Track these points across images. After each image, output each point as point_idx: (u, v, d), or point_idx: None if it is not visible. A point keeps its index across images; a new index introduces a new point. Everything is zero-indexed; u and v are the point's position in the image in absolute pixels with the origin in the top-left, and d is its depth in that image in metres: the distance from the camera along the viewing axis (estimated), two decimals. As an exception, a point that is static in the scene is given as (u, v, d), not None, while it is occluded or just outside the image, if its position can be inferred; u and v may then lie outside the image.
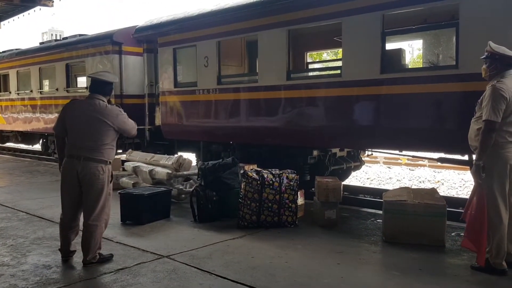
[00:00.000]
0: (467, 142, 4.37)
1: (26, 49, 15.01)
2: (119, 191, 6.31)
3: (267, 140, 8.15)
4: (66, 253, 4.49)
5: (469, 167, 6.13)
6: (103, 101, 4.45)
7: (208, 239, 5.20)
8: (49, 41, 15.16)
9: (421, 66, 11.77)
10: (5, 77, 15.88)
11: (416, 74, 6.54)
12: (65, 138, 4.47)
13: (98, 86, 4.49)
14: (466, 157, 6.31)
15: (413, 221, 4.92)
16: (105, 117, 4.36)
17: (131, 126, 4.63)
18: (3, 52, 16.64)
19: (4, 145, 17.81)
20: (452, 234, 5.27)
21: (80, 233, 4.48)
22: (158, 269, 4.23)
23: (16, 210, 6.78)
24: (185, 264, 4.35)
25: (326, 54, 24.95)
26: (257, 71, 8.53)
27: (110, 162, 4.47)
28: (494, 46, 4.16)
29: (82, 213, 4.47)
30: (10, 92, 15.41)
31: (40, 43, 15.06)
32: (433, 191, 5.40)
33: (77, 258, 4.52)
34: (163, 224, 5.94)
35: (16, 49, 15.76)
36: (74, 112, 4.41)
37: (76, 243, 4.56)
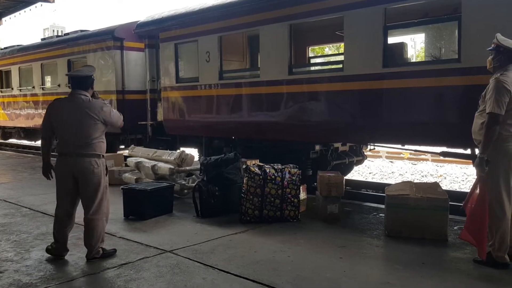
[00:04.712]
0: (470, 136, 4.36)
1: (28, 45, 15.00)
2: (121, 187, 6.33)
3: (269, 135, 8.14)
4: (62, 251, 4.47)
5: (471, 161, 6.13)
6: (86, 95, 4.46)
7: (211, 234, 5.22)
8: (51, 37, 15.15)
9: (423, 60, 11.72)
10: (7, 73, 15.90)
11: (418, 68, 6.51)
12: (52, 139, 4.49)
13: (78, 81, 4.49)
14: (468, 151, 6.30)
15: (416, 215, 4.92)
16: (90, 111, 4.37)
17: (117, 118, 4.60)
18: (5, 48, 16.66)
19: (6, 141, 17.86)
20: (455, 228, 5.27)
21: (79, 228, 4.48)
22: (161, 263, 4.25)
23: (19, 206, 6.81)
24: (188, 258, 4.37)
25: (328, 49, 24.88)
26: (259, 66, 8.52)
27: (103, 156, 4.49)
28: (501, 38, 4.14)
29: (76, 210, 4.51)
30: (12, 89, 15.42)
31: (42, 39, 15.06)
32: (435, 185, 5.39)
33: (81, 253, 4.55)
34: (166, 219, 5.96)
35: (18, 45, 15.76)
36: (60, 110, 4.40)
37: (80, 239, 4.58)
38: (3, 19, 16.24)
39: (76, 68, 13.04)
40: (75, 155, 4.32)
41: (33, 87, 14.19)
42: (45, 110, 4.51)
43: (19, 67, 14.95)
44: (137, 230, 5.47)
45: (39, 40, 14.95)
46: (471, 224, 4.18)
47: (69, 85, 12.52)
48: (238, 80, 8.59)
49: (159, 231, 5.42)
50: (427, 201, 4.91)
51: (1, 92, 16.13)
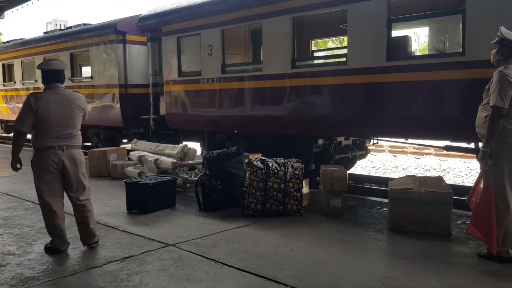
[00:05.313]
0: (473, 129, 4.33)
1: (30, 38, 14.97)
2: (124, 180, 6.33)
3: (271, 129, 8.12)
4: (65, 245, 4.47)
5: (475, 155, 6.09)
6: (65, 88, 4.52)
7: (213, 227, 5.21)
8: (53, 30, 15.11)
9: (427, 53, 11.66)
10: (10, 67, 15.89)
11: (422, 62, 6.47)
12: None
13: (55, 75, 4.50)
14: (472, 145, 6.27)
15: (419, 209, 4.90)
16: (78, 102, 4.49)
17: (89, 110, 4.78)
18: (8, 42, 16.64)
19: (9, 135, 17.89)
20: (458, 222, 5.25)
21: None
22: (164, 257, 4.24)
23: (22, 199, 6.82)
24: (191, 252, 4.36)
25: (331, 42, 24.80)
26: (261, 59, 8.48)
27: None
28: (505, 31, 4.10)
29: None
30: (15, 82, 15.42)
31: (44, 33, 15.03)
32: (439, 179, 5.37)
33: (83, 247, 4.55)
34: (169, 213, 5.96)
35: (20, 39, 15.74)
36: (49, 104, 4.32)
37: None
38: (6, 12, 16.15)
39: (79, 62, 13.04)
40: (64, 147, 4.35)
41: (36, 81, 14.17)
42: (26, 105, 4.32)
43: (21, 61, 14.94)
44: (140, 223, 5.46)
45: (42, 34, 14.91)
46: (478, 219, 4.15)
47: (72, 78, 12.54)
48: (240, 74, 8.55)
49: (162, 224, 5.42)
50: (430, 195, 4.88)
51: (4, 85, 16.14)
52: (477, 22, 5.64)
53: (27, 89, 14.68)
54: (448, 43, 7.51)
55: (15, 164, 4.45)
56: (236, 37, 9.62)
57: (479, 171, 4.26)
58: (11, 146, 4.54)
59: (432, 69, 6.09)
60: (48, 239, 4.58)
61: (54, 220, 4.43)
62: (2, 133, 17.96)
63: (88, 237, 4.53)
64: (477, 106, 4.32)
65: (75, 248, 4.55)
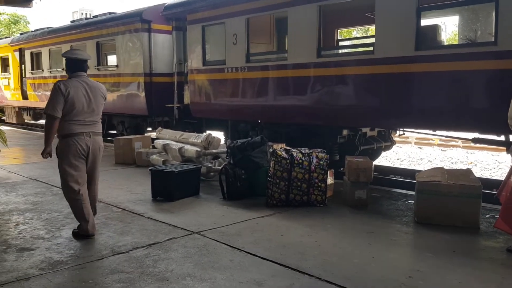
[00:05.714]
0: (504, 122, 4.21)
1: (58, 27, 15.19)
2: (149, 168, 6.39)
3: (295, 119, 8.06)
4: (92, 230, 4.54)
5: (505, 147, 5.94)
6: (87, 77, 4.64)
7: (237, 216, 5.22)
8: (80, 19, 15.30)
9: (456, 43, 11.39)
10: (38, 55, 16.16)
11: (452, 51, 6.31)
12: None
13: (79, 64, 4.60)
14: (502, 138, 6.11)
15: (447, 202, 4.80)
16: (102, 90, 4.66)
17: None
18: (36, 30, 16.91)
19: (37, 122, 18.26)
20: (487, 216, 5.14)
21: (108, 208, 4.56)
22: (188, 244, 4.28)
23: (50, 185, 6.96)
24: (215, 240, 4.38)
25: (356, 32, 24.47)
26: (286, 48, 8.41)
27: None
28: None
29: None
30: (42, 70, 15.70)
31: (71, 22, 15.22)
32: (468, 172, 5.25)
33: (110, 233, 4.64)
34: (193, 201, 6.00)
35: (48, 28, 15.98)
36: (77, 91, 4.42)
37: (109, 218, 4.63)
38: (34, 1, 16.42)
39: (104, 51, 13.17)
40: (91, 134, 4.52)
41: (63, 69, 14.37)
42: (56, 90, 4.36)
43: (49, 49, 15.18)
44: (164, 211, 5.52)
45: (69, 23, 15.11)
46: (507, 213, 4.05)
47: (98, 67, 12.66)
48: (265, 63, 8.50)
49: (186, 212, 5.46)
50: (459, 188, 4.77)
51: (32, 73, 16.44)
52: (511, 11, 5.45)
53: (55, 77, 14.92)
54: (479, 32, 7.30)
55: (47, 152, 4.56)
56: (261, 26, 9.56)
57: (510, 164, 4.15)
58: (39, 133, 4.63)
59: (463, 59, 5.93)
60: (75, 224, 4.66)
61: (81, 204, 4.52)
62: (30, 120, 18.35)
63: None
64: (509, 97, 4.20)
65: (102, 234, 4.63)
